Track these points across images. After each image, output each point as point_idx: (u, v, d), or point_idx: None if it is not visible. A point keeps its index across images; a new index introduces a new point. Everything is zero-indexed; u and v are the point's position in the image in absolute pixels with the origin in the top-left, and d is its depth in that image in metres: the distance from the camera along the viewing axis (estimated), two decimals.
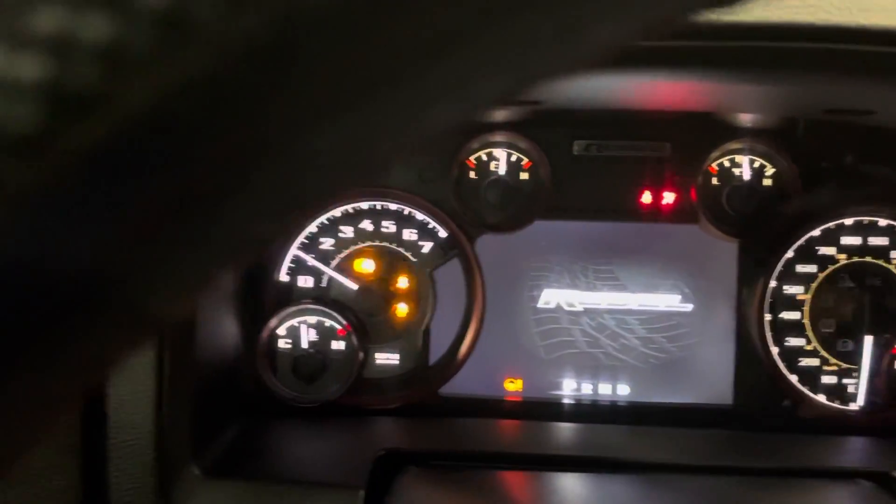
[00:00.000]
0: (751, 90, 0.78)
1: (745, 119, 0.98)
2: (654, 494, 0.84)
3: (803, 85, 0.74)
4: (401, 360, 1.04)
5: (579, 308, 1.04)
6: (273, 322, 1.00)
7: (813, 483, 0.86)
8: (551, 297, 1.04)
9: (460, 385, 1.04)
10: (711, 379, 1.03)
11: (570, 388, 1.04)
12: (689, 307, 1.04)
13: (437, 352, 1.04)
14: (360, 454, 0.85)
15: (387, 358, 1.04)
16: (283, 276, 1.02)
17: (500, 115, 0.99)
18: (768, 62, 0.70)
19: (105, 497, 0.77)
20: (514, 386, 1.05)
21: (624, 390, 1.04)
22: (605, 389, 1.04)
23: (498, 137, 1.03)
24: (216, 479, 0.81)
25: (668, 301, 1.04)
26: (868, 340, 0.99)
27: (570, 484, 0.85)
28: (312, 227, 1.02)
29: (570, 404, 1.04)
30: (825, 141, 1.00)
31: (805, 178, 1.00)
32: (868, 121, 0.89)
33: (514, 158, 1.03)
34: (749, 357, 1.02)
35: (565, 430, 1.00)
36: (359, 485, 0.78)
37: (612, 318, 1.04)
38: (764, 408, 1.03)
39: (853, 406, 1.01)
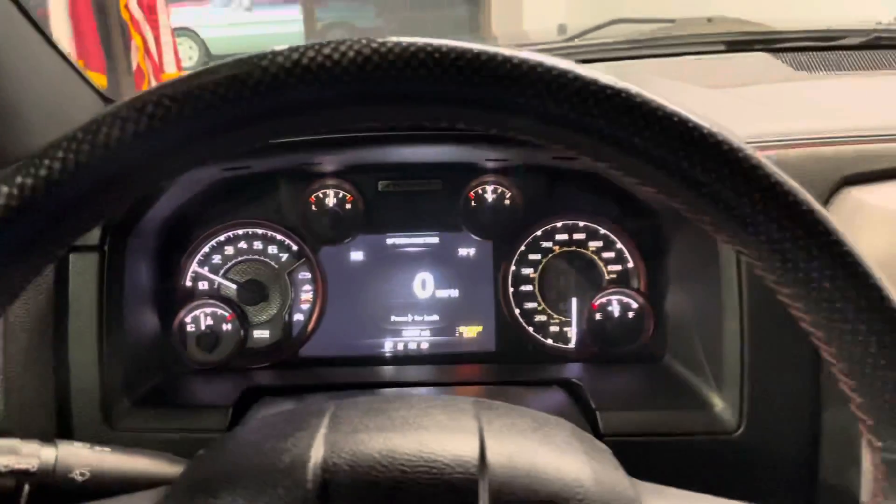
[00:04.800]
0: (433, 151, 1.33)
1: (490, 164, 1.52)
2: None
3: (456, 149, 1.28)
4: (270, 334, 1.53)
5: (393, 298, 1.56)
6: (182, 313, 1.48)
7: (526, 389, 1.38)
8: (374, 290, 1.56)
9: (316, 348, 1.54)
10: (482, 335, 1.55)
11: (389, 347, 1.55)
12: (465, 289, 1.56)
13: (297, 328, 1.54)
14: (235, 391, 1.34)
15: (261, 334, 1.53)
16: (188, 283, 1.51)
17: (329, 166, 1.51)
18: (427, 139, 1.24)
19: (69, 419, 1.23)
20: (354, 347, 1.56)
21: (424, 346, 1.55)
22: (412, 346, 1.55)
23: (329, 182, 1.54)
24: (140, 407, 1.29)
25: (452, 286, 1.56)
26: (574, 301, 1.53)
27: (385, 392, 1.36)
28: (206, 248, 1.52)
29: (389, 356, 1.55)
30: (541, 175, 1.55)
31: (527, 199, 1.54)
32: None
33: (340, 195, 1.55)
34: (504, 319, 1.55)
35: (386, 370, 1.51)
36: (229, 405, 1.27)
37: (416, 303, 1.55)
38: (516, 350, 1.55)
39: (571, 345, 1.54)
